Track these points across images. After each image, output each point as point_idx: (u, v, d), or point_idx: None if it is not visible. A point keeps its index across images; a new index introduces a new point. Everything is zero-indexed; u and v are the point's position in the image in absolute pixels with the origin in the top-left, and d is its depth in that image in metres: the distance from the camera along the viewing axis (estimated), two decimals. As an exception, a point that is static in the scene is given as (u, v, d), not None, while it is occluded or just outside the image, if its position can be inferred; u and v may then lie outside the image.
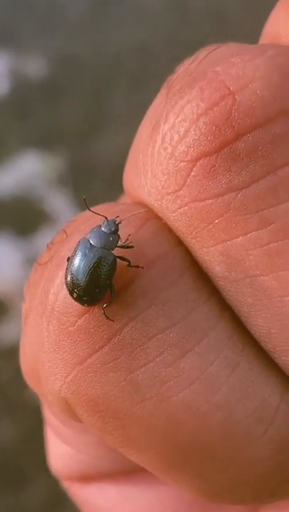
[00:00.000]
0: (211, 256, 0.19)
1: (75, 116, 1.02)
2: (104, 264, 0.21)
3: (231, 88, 0.19)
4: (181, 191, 0.19)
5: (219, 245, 0.19)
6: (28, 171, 0.95)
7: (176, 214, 0.20)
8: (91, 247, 0.21)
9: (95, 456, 0.26)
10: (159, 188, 0.20)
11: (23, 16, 1.16)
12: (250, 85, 0.19)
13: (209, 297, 0.20)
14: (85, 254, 0.20)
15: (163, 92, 0.21)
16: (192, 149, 0.19)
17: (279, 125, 0.18)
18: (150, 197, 0.20)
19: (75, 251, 0.21)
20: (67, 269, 0.20)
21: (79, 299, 0.20)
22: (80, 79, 1.08)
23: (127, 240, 0.20)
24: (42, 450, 0.30)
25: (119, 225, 0.21)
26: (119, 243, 0.20)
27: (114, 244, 0.21)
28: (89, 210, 0.21)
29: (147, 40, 1.10)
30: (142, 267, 0.20)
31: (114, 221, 0.21)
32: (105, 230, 0.21)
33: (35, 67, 1.09)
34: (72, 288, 0.20)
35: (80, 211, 0.23)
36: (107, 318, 0.20)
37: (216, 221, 0.19)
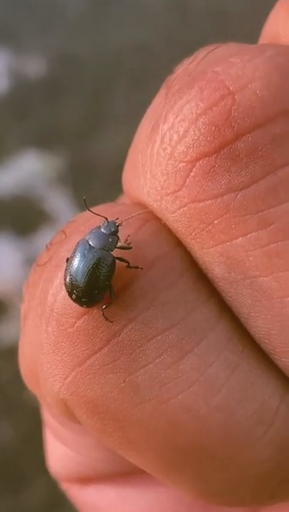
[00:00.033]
0: (211, 257, 0.19)
1: (74, 116, 1.02)
2: (104, 265, 0.20)
3: (231, 88, 0.19)
4: (181, 192, 0.19)
5: (219, 246, 0.19)
6: (27, 171, 0.95)
7: (176, 215, 0.20)
8: (90, 248, 0.20)
9: (94, 457, 0.26)
10: (158, 189, 0.20)
11: (23, 15, 1.16)
12: (249, 85, 0.19)
13: (209, 298, 0.20)
14: (84, 255, 0.20)
15: (162, 92, 0.21)
16: (191, 150, 0.19)
17: (279, 125, 0.18)
18: (149, 197, 0.20)
19: (74, 252, 0.21)
20: (66, 270, 0.20)
21: (78, 300, 0.20)
22: (80, 78, 1.08)
23: (126, 240, 0.20)
24: (42, 451, 0.30)
25: (119, 226, 0.20)
26: (118, 244, 0.20)
27: (113, 246, 0.21)
28: (89, 210, 0.21)
29: (147, 39, 1.10)
30: (142, 268, 0.20)
31: (114, 222, 0.21)
32: (104, 231, 0.21)
33: (35, 66, 1.09)
34: (71, 289, 0.20)
35: (80, 211, 0.23)
36: (106, 319, 0.20)
37: (216, 222, 0.19)
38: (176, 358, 0.19)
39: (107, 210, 0.21)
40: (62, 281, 0.20)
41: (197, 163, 0.19)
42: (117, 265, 0.20)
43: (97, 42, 1.12)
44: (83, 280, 0.20)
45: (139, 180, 0.21)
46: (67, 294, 0.20)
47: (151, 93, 0.22)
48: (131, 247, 0.20)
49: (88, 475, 0.27)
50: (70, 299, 0.20)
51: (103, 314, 0.20)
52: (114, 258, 0.20)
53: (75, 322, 0.20)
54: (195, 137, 0.19)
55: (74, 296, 0.20)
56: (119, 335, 0.20)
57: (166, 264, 0.20)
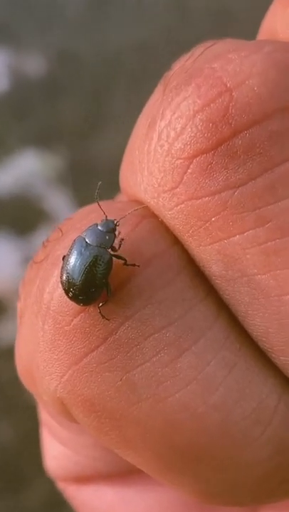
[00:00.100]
0: (208, 254, 0.19)
1: (74, 116, 1.02)
2: (100, 262, 0.20)
3: (228, 85, 0.19)
4: (178, 189, 0.19)
5: (216, 244, 0.19)
6: (27, 170, 0.94)
7: (173, 212, 0.19)
8: (87, 245, 0.20)
9: (91, 457, 0.26)
10: (156, 186, 0.20)
11: (23, 14, 1.16)
12: (247, 82, 0.19)
13: (206, 296, 0.20)
14: (80, 253, 0.20)
15: (159, 88, 0.21)
16: (189, 146, 0.19)
17: (276, 122, 0.18)
18: (146, 195, 0.20)
19: (70, 249, 0.20)
20: (62, 267, 0.20)
21: (74, 298, 0.20)
22: (80, 78, 1.08)
23: (122, 239, 0.20)
24: (42, 451, 0.30)
25: (117, 225, 0.20)
26: (112, 252, 0.20)
27: (110, 243, 0.20)
28: (98, 204, 0.21)
29: (147, 39, 1.10)
30: (138, 266, 0.20)
31: (112, 220, 0.20)
32: (102, 228, 0.20)
33: (35, 65, 1.08)
34: (68, 287, 0.20)
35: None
36: (103, 317, 0.20)
37: (213, 219, 0.19)
38: (173, 357, 0.19)
39: (104, 208, 0.21)
40: (59, 279, 0.20)
41: (194, 160, 0.19)
42: (114, 263, 0.20)
43: (97, 42, 1.12)
44: (80, 278, 0.20)
45: (136, 177, 0.20)
46: (63, 291, 0.20)
47: (151, 93, 0.22)
48: (125, 259, 0.20)
49: (86, 475, 0.27)
50: (66, 296, 0.20)
51: (100, 312, 0.20)
52: (111, 255, 0.20)
53: (72, 320, 0.20)
54: (192, 134, 0.19)
55: (71, 294, 0.20)
56: (116, 333, 0.19)
57: (164, 262, 0.20)
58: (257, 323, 0.19)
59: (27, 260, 0.22)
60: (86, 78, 1.09)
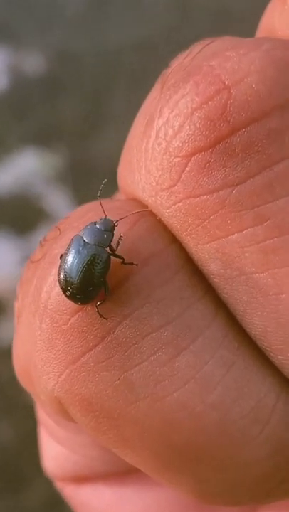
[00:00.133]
0: (206, 253, 0.19)
1: (74, 115, 1.02)
2: (98, 261, 0.20)
3: (226, 82, 0.19)
4: (176, 187, 0.19)
5: (214, 242, 0.19)
6: (26, 169, 0.94)
7: (171, 210, 0.19)
8: (85, 244, 0.20)
9: (89, 456, 0.26)
10: (154, 184, 0.20)
11: (23, 14, 1.16)
12: (245, 79, 0.18)
13: (204, 295, 0.20)
14: (78, 252, 0.20)
15: (157, 86, 0.20)
16: (187, 144, 0.19)
17: (275, 120, 0.18)
18: (144, 193, 0.20)
19: (68, 248, 0.20)
20: (60, 266, 0.20)
21: (72, 297, 0.20)
22: (80, 78, 1.08)
23: (120, 238, 0.20)
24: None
25: (116, 225, 0.20)
26: (110, 251, 0.20)
27: (108, 242, 0.20)
28: (99, 202, 0.21)
29: (147, 39, 1.10)
30: (136, 265, 0.20)
31: (110, 220, 0.20)
32: (100, 227, 0.20)
33: (35, 65, 1.08)
34: (66, 286, 0.20)
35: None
36: (101, 316, 0.20)
37: (211, 217, 0.19)
38: (171, 356, 0.19)
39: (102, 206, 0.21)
40: (56, 277, 0.20)
41: (192, 158, 0.19)
42: (111, 261, 0.20)
43: (97, 41, 1.12)
44: (78, 277, 0.20)
45: (134, 175, 0.20)
46: (61, 290, 0.20)
47: (151, 92, 0.22)
48: (123, 258, 0.20)
49: (84, 474, 0.27)
50: (64, 295, 0.20)
51: (98, 311, 0.20)
52: (109, 254, 0.20)
53: (69, 319, 0.20)
54: (190, 132, 0.19)
55: (68, 292, 0.20)
56: (113, 332, 0.19)
57: (162, 261, 0.20)
58: (255, 322, 0.19)
59: (27, 260, 0.22)
60: (86, 78, 1.09)
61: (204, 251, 0.19)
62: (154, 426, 0.19)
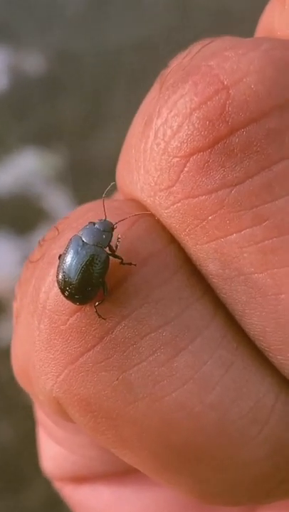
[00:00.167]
0: (205, 253, 0.19)
1: (74, 115, 1.02)
2: (97, 261, 0.20)
3: (225, 82, 0.19)
4: (174, 187, 0.19)
5: (213, 242, 0.19)
6: (26, 169, 0.94)
7: (170, 211, 0.19)
8: (83, 244, 0.20)
9: (88, 456, 0.26)
10: (152, 185, 0.20)
11: (23, 14, 1.16)
12: (244, 79, 0.18)
13: (203, 295, 0.20)
14: (77, 252, 0.20)
15: (156, 86, 0.20)
16: (185, 144, 0.19)
17: (273, 120, 0.18)
18: (143, 193, 0.20)
19: (66, 248, 0.20)
20: (58, 266, 0.20)
21: (71, 297, 0.20)
22: (80, 78, 1.08)
23: (119, 238, 0.20)
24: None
25: (115, 227, 0.20)
26: (108, 251, 0.20)
27: (107, 242, 0.20)
28: (103, 204, 0.21)
29: (147, 39, 1.10)
30: (135, 265, 0.20)
31: (110, 222, 0.20)
32: (99, 227, 0.20)
33: (35, 65, 1.08)
34: (64, 286, 0.20)
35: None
36: (100, 316, 0.20)
37: (210, 218, 0.19)
38: (169, 356, 0.19)
39: (100, 206, 0.21)
40: (55, 278, 0.20)
41: (191, 159, 0.19)
42: (110, 262, 0.20)
43: (97, 41, 1.12)
44: (76, 277, 0.20)
45: (133, 175, 0.20)
46: (59, 290, 0.20)
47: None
48: (121, 258, 0.20)
49: (82, 474, 0.27)
50: (62, 296, 0.20)
51: (96, 311, 0.20)
52: (108, 254, 0.20)
53: (68, 319, 0.20)
54: (189, 132, 0.19)
55: (67, 293, 0.20)
56: (112, 332, 0.19)
57: (160, 261, 0.20)
58: (254, 322, 0.19)
59: (26, 259, 0.22)
60: (86, 78, 1.09)
61: (203, 251, 0.19)
62: (153, 426, 0.19)
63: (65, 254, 0.20)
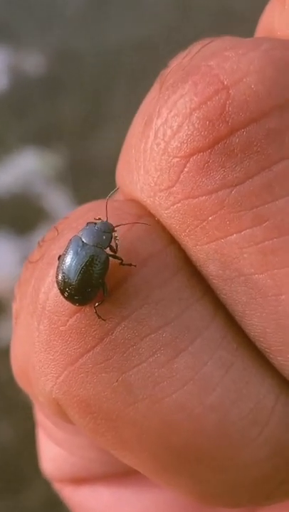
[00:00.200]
0: (205, 254, 0.19)
1: (74, 114, 1.02)
2: (97, 262, 0.20)
3: (225, 82, 0.18)
4: (174, 188, 0.19)
5: (213, 243, 0.19)
6: (26, 168, 0.94)
7: (169, 211, 0.19)
8: (83, 245, 0.20)
9: (87, 458, 0.26)
10: (152, 185, 0.19)
11: (23, 14, 1.15)
12: (244, 79, 0.18)
13: (203, 296, 0.20)
14: (76, 253, 0.20)
15: (156, 86, 0.20)
16: (185, 145, 0.19)
17: (274, 120, 0.18)
18: (143, 194, 0.20)
19: (66, 249, 0.20)
20: (58, 267, 0.20)
21: (70, 298, 0.20)
22: (80, 78, 1.08)
23: (116, 238, 0.20)
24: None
25: (115, 231, 0.20)
26: (108, 252, 0.20)
27: (107, 243, 0.20)
28: (106, 205, 0.21)
29: (147, 39, 1.10)
30: (135, 265, 0.20)
31: (110, 223, 0.20)
32: (99, 228, 0.20)
33: (35, 65, 1.08)
34: (64, 287, 0.20)
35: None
36: (99, 317, 0.19)
37: (210, 218, 0.19)
38: (169, 357, 0.19)
39: (100, 206, 0.21)
40: (54, 278, 0.20)
41: (191, 159, 0.19)
42: (110, 262, 0.20)
43: (97, 41, 1.12)
44: (76, 278, 0.20)
45: (133, 175, 0.20)
46: (59, 291, 0.20)
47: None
48: (121, 259, 0.20)
49: (82, 476, 0.27)
50: (62, 296, 0.20)
51: (96, 312, 0.20)
52: (108, 255, 0.20)
53: (68, 320, 0.20)
54: (189, 132, 0.19)
55: (66, 293, 0.20)
56: (112, 333, 0.19)
57: (160, 262, 0.20)
58: (254, 323, 0.19)
59: (26, 259, 0.22)
60: (86, 77, 1.09)
61: (203, 252, 0.19)
62: (153, 427, 0.19)
63: (64, 254, 0.20)
